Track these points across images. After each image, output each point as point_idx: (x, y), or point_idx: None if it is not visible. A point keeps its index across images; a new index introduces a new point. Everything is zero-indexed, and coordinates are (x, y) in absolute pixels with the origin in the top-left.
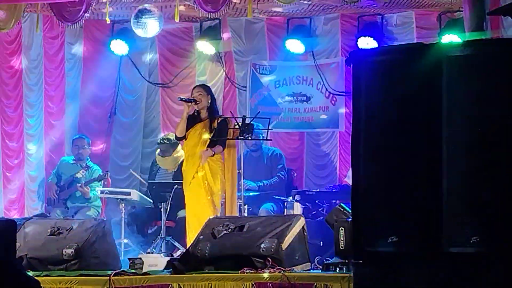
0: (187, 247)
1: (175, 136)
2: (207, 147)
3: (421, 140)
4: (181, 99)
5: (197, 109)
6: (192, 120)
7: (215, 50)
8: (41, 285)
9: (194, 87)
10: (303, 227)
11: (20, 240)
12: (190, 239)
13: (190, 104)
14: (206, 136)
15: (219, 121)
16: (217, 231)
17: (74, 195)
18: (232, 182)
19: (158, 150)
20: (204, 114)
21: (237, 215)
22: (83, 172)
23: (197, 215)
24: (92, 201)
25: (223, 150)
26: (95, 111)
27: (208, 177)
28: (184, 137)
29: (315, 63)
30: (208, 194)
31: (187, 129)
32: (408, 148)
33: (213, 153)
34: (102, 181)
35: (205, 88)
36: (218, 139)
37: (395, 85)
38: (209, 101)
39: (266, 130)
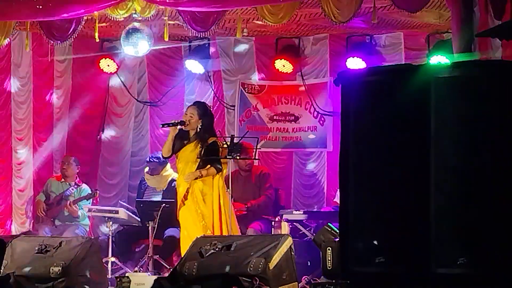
0: (175, 266)
1: (162, 156)
2: (197, 168)
3: (409, 162)
4: (163, 125)
5: (185, 129)
6: (182, 140)
7: (204, 69)
8: None
9: (189, 106)
10: (290, 246)
11: (7, 258)
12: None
13: (175, 127)
14: (194, 157)
15: (209, 143)
16: (205, 250)
17: (62, 213)
18: (224, 201)
19: (147, 169)
20: (192, 135)
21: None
22: (72, 189)
23: (191, 237)
24: (80, 219)
25: (217, 173)
26: (84, 129)
27: (199, 200)
28: (170, 157)
29: (303, 83)
30: (200, 217)
31: (179, 149)
32: (396, 169)
33: (201, 175)
34: (91, 199)
35: (199, 110)
36: (209, 159)
37: (383, 106)
38: (200, 125)
39: (254, 150)
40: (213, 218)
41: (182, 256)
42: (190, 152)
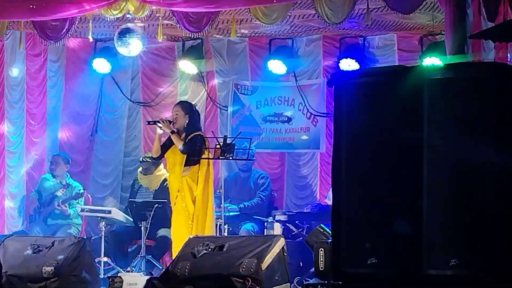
0: (167, 266)
1: (152, 157)
2: (185, 165)
3: (402, 163)
4: (149, 123)
5: (174, 129)
6: (171, 141)
7: (197, 69)
8: None
9: (174, 106)
10: (283, 247)
11: (0, 257)
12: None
13: (161, 125)
14: (181, 154)
15: (191, 136)
16: (197, 251)
17: (53, 212)
18: (203, 198)
19: (140, 168)
20: (182, 133)
21: (215, 234)
22: (62, 190)
23: (180, 236)
24: (72, 218)
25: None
26: (77, 129)
27: (186, 197)
28: (159, 157)
29: (296, 84)
30: (186, 214)
31: (168, 148)
32: (389, 171)
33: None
34: (82, 199)
35: (184, 107)
36: (189, 152)
37: (376, 107)
38: (187, 121)
39: (247, 150)
40: (195, 214)
41: (175, 256)
42: (177, 150)
